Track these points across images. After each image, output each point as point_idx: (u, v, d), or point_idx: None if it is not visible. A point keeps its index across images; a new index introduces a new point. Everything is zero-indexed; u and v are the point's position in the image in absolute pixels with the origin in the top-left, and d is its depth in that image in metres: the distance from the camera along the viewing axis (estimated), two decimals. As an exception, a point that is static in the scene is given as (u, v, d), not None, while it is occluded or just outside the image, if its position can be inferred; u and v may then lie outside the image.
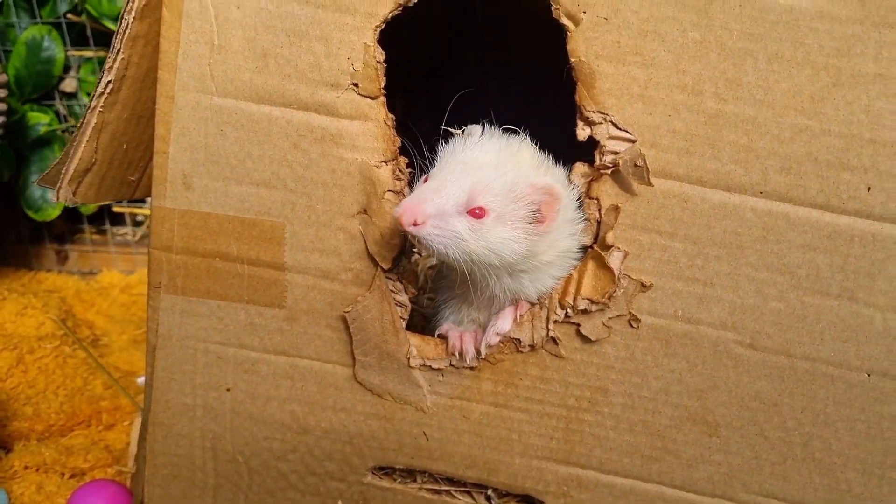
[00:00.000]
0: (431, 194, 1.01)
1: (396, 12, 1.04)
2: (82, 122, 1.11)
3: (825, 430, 1.13)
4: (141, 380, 2.00)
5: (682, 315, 1.11)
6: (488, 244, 1.04)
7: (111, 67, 1.08)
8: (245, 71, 1.09)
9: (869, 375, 1.09)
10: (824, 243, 1.05)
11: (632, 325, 1.12)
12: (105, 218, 2.58)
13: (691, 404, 1.15)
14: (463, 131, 1.13)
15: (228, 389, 1.24)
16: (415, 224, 0.99)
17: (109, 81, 1.08)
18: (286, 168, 1.12)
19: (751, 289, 1.08)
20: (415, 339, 1.18)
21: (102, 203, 1.74)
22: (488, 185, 1.04)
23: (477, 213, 1.03)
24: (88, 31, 2.30)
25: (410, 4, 1.04)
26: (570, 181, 1.11)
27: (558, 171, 1.14)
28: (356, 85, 1.07)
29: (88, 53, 2.36)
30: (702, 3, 0.98)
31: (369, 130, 1.09)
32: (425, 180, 1.07)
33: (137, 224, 2.63)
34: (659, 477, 1.19)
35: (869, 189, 1.03)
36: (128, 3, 1.06)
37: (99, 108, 1.10)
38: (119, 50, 1.07)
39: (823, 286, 1.07)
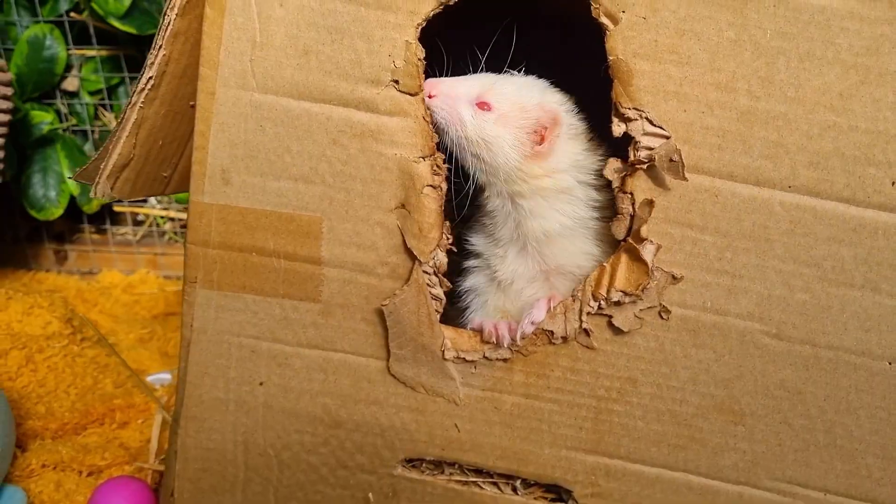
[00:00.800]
0: (453, 80, 1.17)
1: (438, 10, 1.06)
2: (123, 118, 1.12)
3: (847, 418, 1.16)
4: (151, 378, 2.01)
5: (711, 306, 1.14)
6: (484, 135, 1.16)
7: (152, 63, 1.09)
8: (286, 67, 1.10)
9: (890, 364, 1.13)
10: (849, 236, 1.09)
11: (662, 317, 1.15)
12: (105, 217, 2.58)
13: (718, 393, 1.18)
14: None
15: (261, 384, 1.25)
16: (429, 96, 1.13)
17: (151, 77, 1.09)
18: (325, 163, 1.14)
19: (778, 280, 1.12)
20: (449, 332, 1.21)
21: (136, 199, 1.74)
22: (502, 88, 1.18)
23: (483, 106, 1.16)
24: (91, 30, 2.30)
25: (451, 3, 1.06)
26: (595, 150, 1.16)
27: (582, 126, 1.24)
28: (396, 82, 1.09)
29: (91, 52, 2.36)
30: (737, 3, 1.01)
31: (408, 126, 1.11)
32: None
33: (138, 224, 2.63)
34: (685, 465, 1.22)
35: (893, 183, 1.07)
36: (170, 0, 1.07)
37: (139, 104, 1.12)
38: (161, 46, 1.08)
39: (848, 278, 1.11)
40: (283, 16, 1.08)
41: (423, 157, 1.12)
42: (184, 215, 2.58)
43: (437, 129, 1.16)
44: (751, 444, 1.20)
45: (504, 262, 1.26)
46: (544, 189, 1.19)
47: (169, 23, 1.08)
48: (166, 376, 2.02)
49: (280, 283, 1.20)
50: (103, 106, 2.44)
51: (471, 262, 1.29)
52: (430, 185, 1.12)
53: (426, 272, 1.16)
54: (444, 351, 1.19)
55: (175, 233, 2.62)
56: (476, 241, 1.29)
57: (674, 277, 1.13)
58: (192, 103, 1.17)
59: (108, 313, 2.35)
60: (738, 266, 1.12)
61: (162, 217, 2.61)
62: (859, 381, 1.15)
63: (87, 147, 2.45)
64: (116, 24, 2.17)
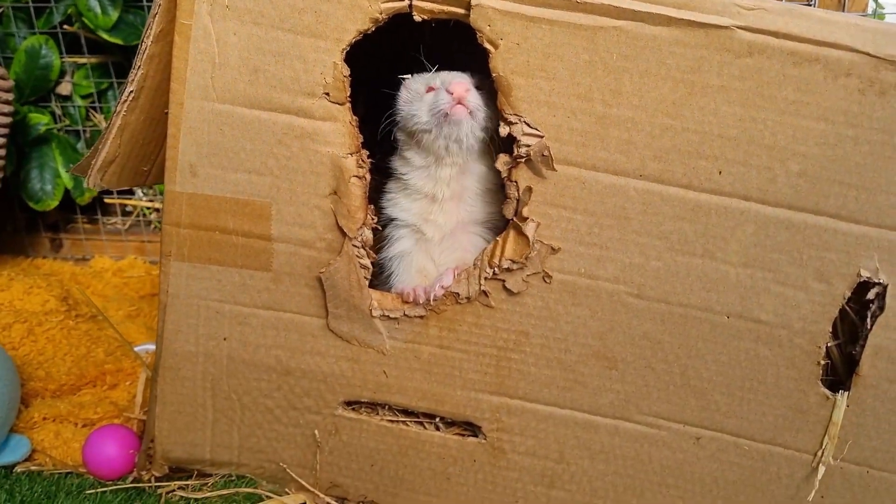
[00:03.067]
0: (459, 77, 1.41)
1: (358, 38, 1.34)
2: (110, 123, 1.39)
3: (697, 362, 1.36)
4: (138, 348, 2.25)
5: (585, 272, 1.34)
6: (487, 113, 1.40)
7: (133, 80, 1.36)
8: (240, 83, 1.37)
9: (728, 318, 1.33)
10: (689, 214, 1.28)
11: (545, 281, 1.37)
12: (97, 208, 2.82)
13: (594, 344, 1.37)
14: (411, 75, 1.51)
15: (225, 339, 1.52)
16: (467, 91, 1.36)
17: (132, 91, 1.36)
18: (272, 159, 1.41)
19: (636, 251, 1.31)
20: (375, 295, 1.47)
21: (120, 188, 2.00)
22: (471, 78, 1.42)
23: (479, 88, 1.40)
24: (82, 40, 2.55)
25: (370, 32, 1.33)
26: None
27: None
28: (327, 94, 1.36)
29: (81, 60, 2.60)
30: (589, 33, 1.27)
31: (338, 129, 1.38)
32: (429, 90, 1.45)
33: (126, 214, 2.87)
34: (571, 403, 1.42)
35: (720, 173, 1.30)
36: (146, 29, 1.34)
37: (123, 112, 1.38)
38: (139, 66, 1.35)
39: (690, 248, 1.30)
40: (236, 42, 1.35)
41: (350, 154, 1.39)
42: (167, 206, 2.82)
43: (472, 118, 1.39)
44: (623, 385, 1.39)
45: (439, 216, 1.52)
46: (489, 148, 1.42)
47: (146, 48, 1.35)
48: (151, 347, 2.25)
49: (238, 255, 1.46)
50: (93, 108, 2.68)
51: (396, 232, 1.55)
52: (356, 176, 1.39)
53: (355, 245, 1.43)
54: (371, 310, 1.46)
55: (160, 222, 2.86)
56: (404, 213, 1.55)
57: (553, 249, 1.38)
58: (165, 111, 1.44)
59: (99, 294, 2.59)
60: (604, 239, 1.32)
61: (148, 208, 2.85)
62: (705, 332, 1.34)
63: (80, 145, 2.70)
64: (105, 35, 2.43)
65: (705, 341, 1.38)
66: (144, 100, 1.40)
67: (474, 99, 1.37)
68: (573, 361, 1.41)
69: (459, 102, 1.36)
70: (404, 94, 1.50)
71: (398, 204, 1.55)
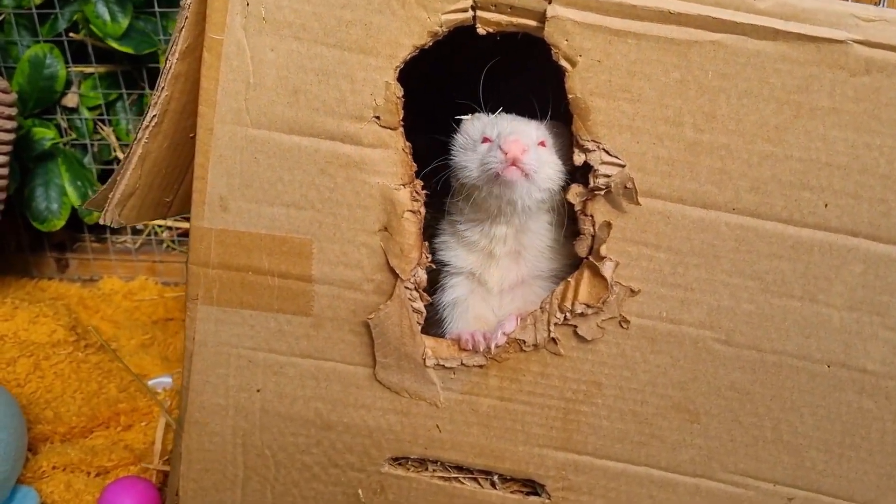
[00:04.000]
0: (517, 130, 1.23)
1: (414, 54, 1.17)
2: (129, 152, 1.23)
3: (792, 415, 1.24)
4: (152, 382, 2.11)
5: (666, 316, 1.22)
6: (554, 170, 1.26)
7: (156, 103, 1.20)
8: (277, 105, 1.21)
9: (829, 367, 1.23)
10: (788, 252, 1.17)
11: (622, 326, 1.25)
12: (106, 226, 2.66)
13: (675, 395, 1.26)
14: (471, 116, 1.34)
15: (258, 390, 1.36)
16: (524, 152, 1.18)
17: (154, 116, 1.20)
18: (314, 191, 1.25)
19: (725, 292, 1.20)
20: (429, 342, 1.32)
21: (142, 222, 1.84)
22: (538, 127, 1.27)
23: (542, 144, 1.26)
24: (89, 49, 2.39)
25: (427, 47, 1.17)
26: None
27: None
28: (378, 117, 1.20)
29: (89, 69, 2.45)
30: (682, 48, 1.12)
31: (389, 157, 1.22)
32: (485, 140, 1.27)
33: (137, 233, 2.73)
34: (647, 460, 1.32)
35: (826, 205, 1.17)
36: (171, 45, 1.18)
37: (144, 140, 1.22)
38: (163, 88, 1.19)
39: (788, 289, 1.19)
40: (274, 59, 1.19)
41: (402, 185, 1.23)
42: (180, 224, 2.68)
43: (533, 182, 1.24)
44: (706, 440, 1.27)
45: (496, 272, 1.38)
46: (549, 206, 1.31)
47: (170, 66, 1.19)
48: (167, 380, 2.12)
49: (274, 299, 1.30)
50: (101, 121, 2.53)
51: (451, 280, 1.40)
52: (410, 211, 1.23)
53: (407, 288, 1.27)
54: (425, 359, 1.31)
55: (173, 241, 2.71)
56: (459, 260, 1.39)
57: (632, 291, 1.24)
58: (191, 135, 1.28)
59: (109, 319, 2.44)
60: (689, 280, 1.22)
61: (160, 226, 2.70)
62: (801, 383, 1.24)
63: (87, 160, 2.54)
64: (114, 44, 2.27)
65: (802, 392, 1.25)
66: (168, 124, 1.24)
67: (533, 159, 1.20)
68: (650, 414, 1.29)
69: (514, 164, 1.18)
70: (459, 140, 1.35)
71: (453, 250, 1.40)
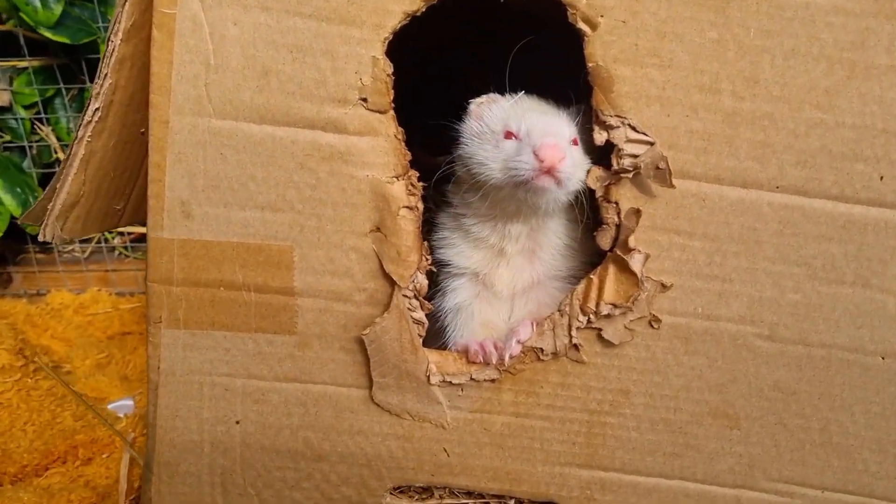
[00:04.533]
0: (551, 129, 1.07)
1: (405, 22, 1.00)
2: (68, 156, 1.03)
3: (842, 414, 1.15)
4: (112, 406, 1.91)
5: (702, 312, 1.11)
6: (584, 170, 1.10)
7: (98, 94, 1.00)
8: (244, 90, 1.03)
9: (883, 358, 1.12)
10: (839, 233, 1.07)
11: (652, 326, 1.12)
12: (50, 236, 2.45)
13: (712, 399, 1.15)
14: (485, 98, 1.18)
15: (238, 422, 1.18)
16: (561, 160, 1.02)
17: (97, 109, 1.01)
18: (293, 189, 1.07)
19: (768, 282, 1.10)
20: (433, 356, 1.15)
21: (88, 236, 1.62)
22: (569, 118, 1.12)
23: (573, 143, 1.11)
24: (21, 40, 2.16)
25: (419, 14, 0.99)
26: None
27: None
28: (365, 100, 1.03)
29: (21, 63, 2.22)
30: (720, 2, 0.97)
31: (379, 146, 1.05)
32: (509, 135, 1.10)
33: (85, 240, 2.50)
34: (681, 472, 1.19)
35: (882, 178, 1.04)
36: (113, 24, 0.98)
37: (87, 138, 1.03)
38: (106, 75, 1.00)
39: (838, 275, 1.09)
40: (238, 35, 1.00)
41: (396, 178, 1.06)
42: (134, 228, 2.46)
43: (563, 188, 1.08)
44: (746, 446, 1.17)
45: (506, 272, 1.22)
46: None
47: (113, 49, 1.00)
48: (128, 402, 1.92)
49: (252, 316, 1.12)
50: (39, 120, 2.31)
51: (453, 282, 1.23)
52: (406, 207, 1.06)
53: (406, 296, 1.10)
54: (429, 376, 1.14)
55: (125, 248, 2.50)
56: (463, 259, 1.22)
57: (663, 286, 1.10)
58: (142, 130, 1.09)
59: (60, 338, 2.22)
60: (727, 270, 1.09)
61: (111, 232, 2.48)
62: (853, 378, 1.13)
63: (26, 164, 2.32)
64: (48, 34, 2.04)
65: (853, 388, 1.14)
66: (114, 119, 1.05)
67: (568, 165, 1.05)
68: (684, 422, 1.18)
69: (548, 172, 1.03)
70: (473, 127, 1.16)
71: (456, 247, 1.22)
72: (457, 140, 1.19)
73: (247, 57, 1.01)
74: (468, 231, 1.21)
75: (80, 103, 2.31)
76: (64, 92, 2.28)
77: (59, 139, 2.32)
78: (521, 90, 1.14)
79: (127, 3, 0.98)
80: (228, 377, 1.16)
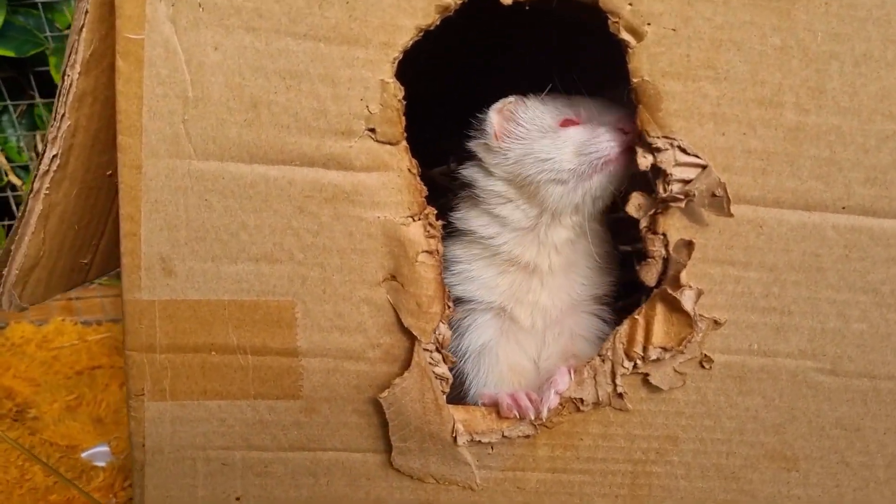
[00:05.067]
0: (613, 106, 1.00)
1: (417, 38, 0.85)
2: (24, 212, 0.87)
3: None
4: (87, 454, 1.74)
5: (758, 349, 1.01)
6: None
7: (55, 138, 0.84)
8: (230, 125, 0.87)
9: None
10: None
11: (703, 367, 1.01)
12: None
13: (768, 441, 1.05)
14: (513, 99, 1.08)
15: (238, 499, 1.04)
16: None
17: (55, 156, 0.84)
18: (291, 237, 0.92)
19: (832, 312, 0.99)
20: (459, 413, 1.02)
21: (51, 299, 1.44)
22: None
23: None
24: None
25: (433, 28, 0.84)
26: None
27: None
28: (373, 130, 0.88)
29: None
30: (783, 4, 0.84)
31: (391, 182, 0.90)
32: (567, 123, 1.02)
33: (45, 267, 2.31)
34: None
35: None
36: (69, 56, 0.82)
37: (45, 191, 0.87)
38: (63, 115, 0.83)
39: None
40: (220, 62, 0.84)
41: (412, 217, 0.92)
42: (97, 252, 2.28)
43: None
44: (805, 489, 1.08)
45: (543, 296, 1.10)
46: None
47: (70, 84, 0.84)
48: (104, 449, 1.75)
49: (250, 382, 0.98)
50: (-16, 141, 2.11)
51: (475, 319, 1.09)
52: (426, 252, 0.91)
53: (427, 350, 0.96)
54: (455, 436, 1.00)
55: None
56: (487, 292, 1.08)
57: (716, 322, 0.97)
58: (109, 172, 0.93)
59: (24, 377, 2.04)
60: (786, 301, 0.98)
61: (72, 257, 2.30)
62: None
63: (-28, 189, 2.12)
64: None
65: None
66: (76, 164, 0.89)
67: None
68: (738, 466, 1.07)
69: (629, 147, 0.93)
70: (510, 129, 1.02)
71: (478, 279, 1.08)
72: (464, 155, 1.06)
73: (231, 87, 0.86)
74: (497, 253, 1.07)
75: (31, 119, 2.12)
76: (11, 109, 2.08)
77: (8, 159, 2.13)
78: (550, 86, 1.03)
79: (84, 30, 0.81)
80: (226, 450, 1.01)
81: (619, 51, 0.86)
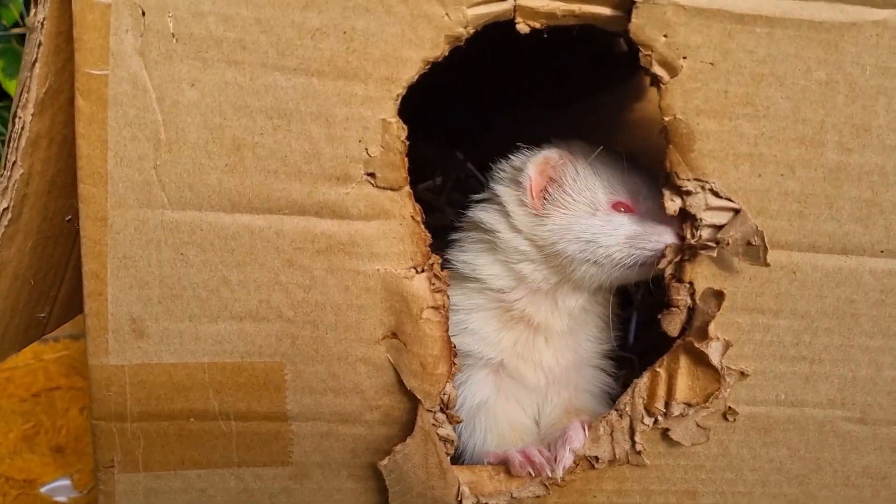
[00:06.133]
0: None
1: (424, 70, 0.75)
2: (-30, 273, 0.76)
3: None
4: (46, 489, 1.63)
5: (785, 399, 0.95)
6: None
7: (6, 189, 0.73)
8: (210, 171, 0.76)
9: None
10: None
11: (727, 419, 0.93)
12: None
13: (791, 492, 1.00)
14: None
15: (221, 571, 0.94)
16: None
17: (6, 209, 0.73)
18: (280, 293, 0.82)
19: (864, 360, 0.94)
20: (465, 475, 0.93)
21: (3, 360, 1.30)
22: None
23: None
24: None
25: (441, 60, 0.74)
26: None
27: None
28: (372, 175, 0.78)
29: None
30: (832, 36, 0.75)
31: (392, 231, 0.81)
32: (619, 206, 0.94)
33: (-5, 280, 2.17)
34: None
35: None
36: (20, 94, 0.71)
37: (-6, 249, 0.75)
38: (15, 163, 0.72)
39: None
40: (197, 100, 0.73)
41: (415, 269, 0.82)
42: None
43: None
44: None
45: (546, 354, 1.01)
46: None
47: (23, 127, 0.72)
48: (65, 483, 1.64)
49: (233, 449, 0.88)
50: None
51: (472, 375, 1.00)
52: (432, 307, 0.82)
53: (430, 411, 0.87)
54: (461, 500, 0.92)
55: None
56: (488, 346, 0.99)
57: (742, 374, 0.90)
58: (68, 218, 0.82)
59: (-27, 405, 1.91)
60: (817, 350, 0.92)
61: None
62: None
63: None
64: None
65: None
66: (30, 215, 0.78)
67: None
68: None
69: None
70: (565, 199, 0.94)
71: (478, 332, 0.98)
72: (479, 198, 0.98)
73: (210, 128, 0.75)
74: (509, 309, 0.98)
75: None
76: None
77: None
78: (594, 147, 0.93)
79: (37, 64, 0.70)
80: (207, 522, 0.91)
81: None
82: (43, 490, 1.61)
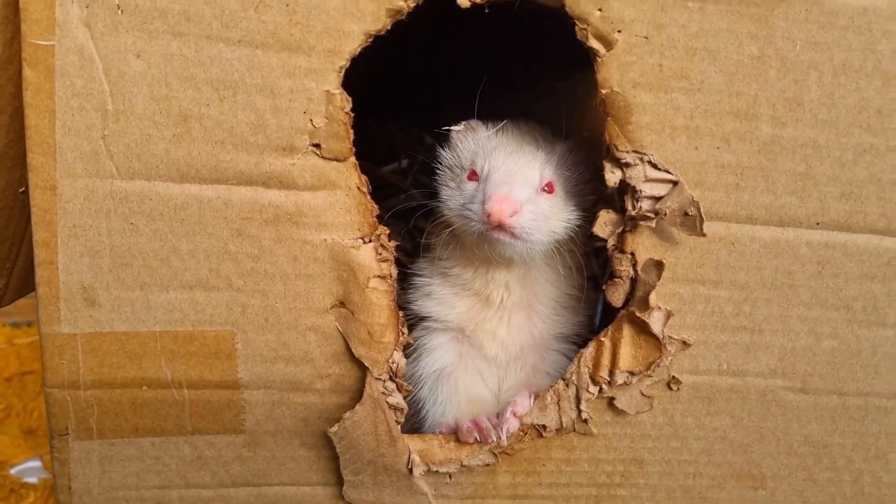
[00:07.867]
0: (511, 180, 0.90)
1: (367, 44, 0.77)
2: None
3: (876, 464, 1.04)
4: (16, 470, 1.64)
5: (727, 368, 0.97)
6: (560, 220, 0.95)
7: (-46, 160, 0.74)
8: (158, 141, 0.78)
9: None
10: (882, 271, 0.94)
11: (671, 388, 0.96)
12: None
13: (735, 460, 1.02)
14: (462, 126, 1.01)
15: (176, 538, 0.96)
16: (513, 214, 0.87)
17: (-44, 179, 0.74)
18: (229, 262, 0.83)
19: (803, 330, 0.96)
20: (415, 443, 0.95)
21: None
22: (548, 159, 0.95)
23: (547, 189, 0.95)
24: None
25: (383, 33, 0.76)
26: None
27: None
28: (317, 146, 0.80)
29: None
30: (762, 11, 0.78)
31: (338, 201, 0.82)
32: (473, 175, 0.95)
33: (-33, 265, 2.17)
34: None
35: None
36: (-33, 63, 0.72)
37: (-55, 219, 0.76)
38: (-37, 133, 0.73)
39: (880, 317, 0.96)
40: (143, 71, 0.75)
41: (362, 239, 0.84)
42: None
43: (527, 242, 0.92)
44: None
45: (502, 329, 1.03)
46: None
47: (-31, 97, 0.73)
48: (35, 464, 1.65)
49: (186, 417, 0.89)
50: None
51: (433, 339, 1.02)
52: (378, 276, 0.84)
53: (380, 379, 0.89)
54: (411, 468, 0.94)
55: (16, 271, 2.18)
56: (445, 309, 1.02)
57: (685, 343, 0.93)
58: (21, 190, 0.83)
59: (-55, 389, 1.92)
60: (757, 320, 0.95)
61: None
62: (890, 425, 1.02)
63: None
64: None
65: (889, 436, 1.03)
66: (-20, 185, 0.78)
67: (526, 220, 0.90)
68: (705, 487, 1.04)
69: (499, 227, 0.88)
70: (447, 158, 1.00)
71: (436, 297, 1.01)
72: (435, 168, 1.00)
73: (157, 98, 0.76)
74: (447, 275, 1.01)
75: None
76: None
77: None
78: (504, 119, 0.94)
79: (-18, 34, 0.71)
80: (161, 489, 0.93)
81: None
82: (13, 471, 1.62)
